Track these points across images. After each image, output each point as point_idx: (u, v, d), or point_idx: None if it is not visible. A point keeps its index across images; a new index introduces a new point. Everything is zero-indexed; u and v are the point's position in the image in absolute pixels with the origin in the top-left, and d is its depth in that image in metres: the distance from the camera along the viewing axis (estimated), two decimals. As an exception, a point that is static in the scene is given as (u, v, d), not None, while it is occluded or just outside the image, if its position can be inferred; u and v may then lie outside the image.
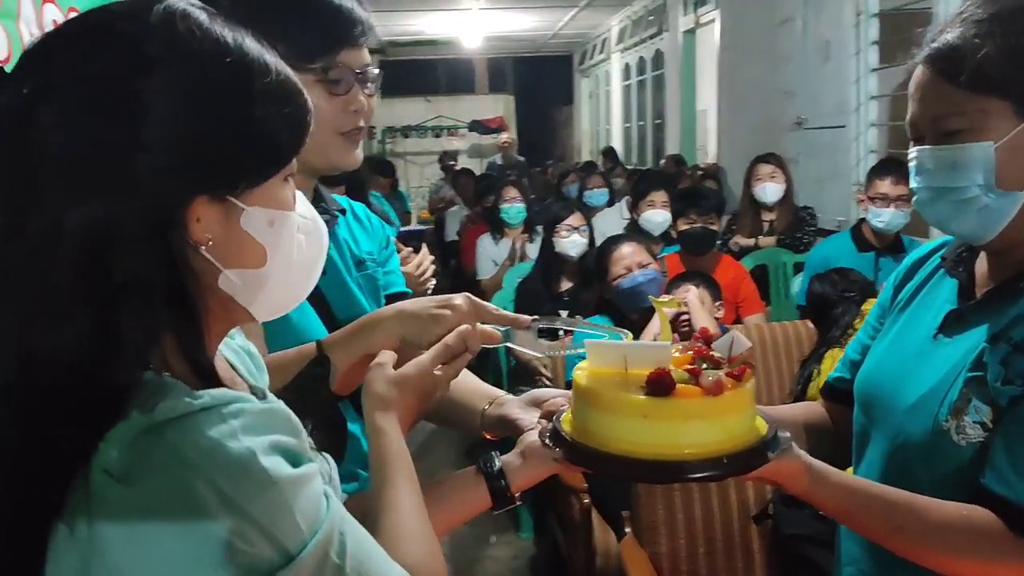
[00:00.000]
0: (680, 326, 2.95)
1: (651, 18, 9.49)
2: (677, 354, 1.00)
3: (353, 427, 1.34)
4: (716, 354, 0.99)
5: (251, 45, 0.75)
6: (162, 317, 0.70)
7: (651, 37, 9.59)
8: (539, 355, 1.21)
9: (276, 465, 0.68)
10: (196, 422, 0.66)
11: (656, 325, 2.95)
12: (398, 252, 2.00)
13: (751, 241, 4.55)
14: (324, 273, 1.32)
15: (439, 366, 0.99)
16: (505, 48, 14.47)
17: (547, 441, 0.98)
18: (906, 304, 1.22)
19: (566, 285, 3.72)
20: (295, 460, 0.71)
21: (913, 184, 1.11)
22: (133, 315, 0.68)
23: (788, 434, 0.98)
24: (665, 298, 1.08)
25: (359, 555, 0.72)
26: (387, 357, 1.00)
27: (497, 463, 1.05)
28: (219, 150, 0.71)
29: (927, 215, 1.11)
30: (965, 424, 1.04)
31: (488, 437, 1.21)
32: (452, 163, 10.74)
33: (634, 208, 4.54)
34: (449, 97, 16.09)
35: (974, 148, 1.03)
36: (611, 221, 5.13)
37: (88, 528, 0.65)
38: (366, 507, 1.06)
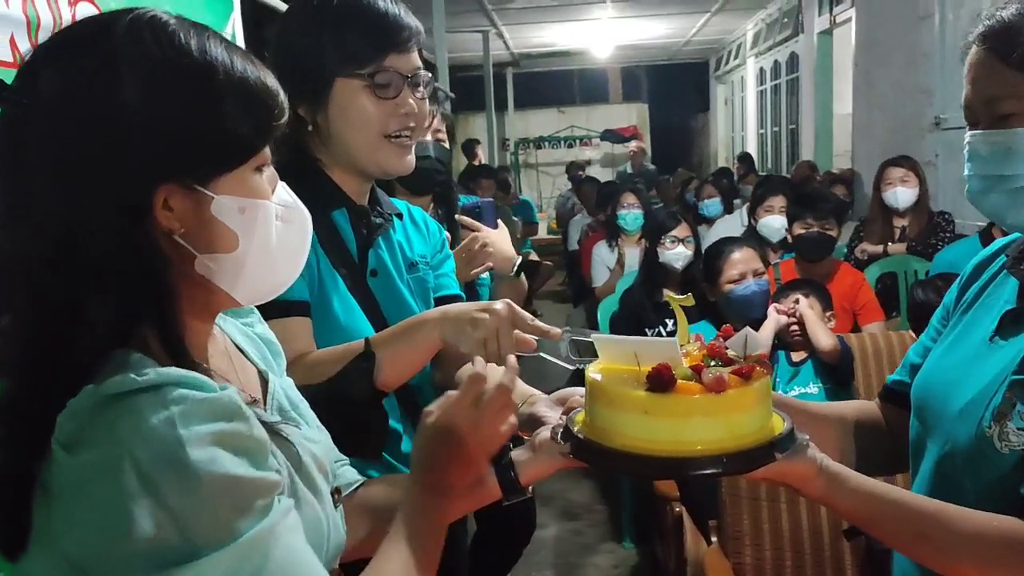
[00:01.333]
0: (791, 335, 2.86)
1: (786, 20, 9.20)
2: (695, 351, 0.98)
3: (396, 424, 1.39)
4: (730, 352, 0.96)
5: (215, 48, 0.80)
6: (134, 299, 0.76)
7: (786, 40, 9.30)
8: (569, 367, 1.22)
9: (207, 459, 0.70)
10: (139, 403, 0.70)
11: (761, 335, 2.87)
12: (464, 226, 1.98)
13: (879, 248, 4.32)
14: (375, 274, 1.40)
15: (472, 403, 0.94)
16: (638, 57, 14.37)
17: (557, 436, 0.98)
18: (969, 306, 1.14)
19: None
20: (243, 452, 0.73)
21: (967, 172, 1.04)
22: (103, 296, 0.75)
23: (806, 436, 0.94)
24: (680, 296, 1.06)
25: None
26: (433, 408, 0.95)
27: (507, 456, 1.06)
28: (182, 143, 0.77)
29: (981, 206, 1.04)
30: (1009, 430, 0.96)
31: (523, 435, 1.23)
32: (580, 173, 10.75)
33: (752, 213, 4.41)
34: (582, 107, 16.17)
35: None
36: (731, 228, 5.00)
37: (44, 492, 0.71)
38: (384, 492, 1.10)
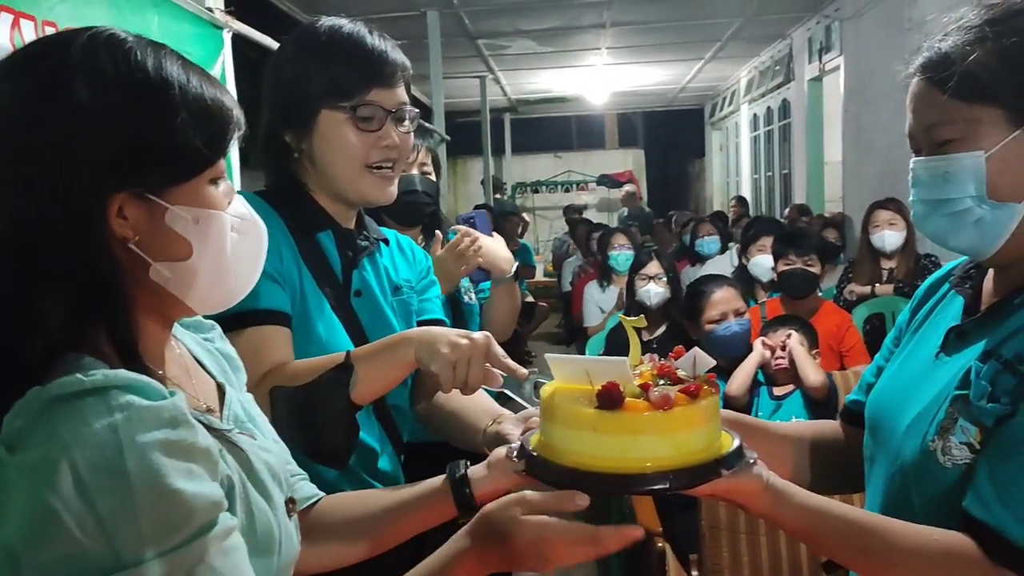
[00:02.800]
0: (776, 369, 2.87)
1: (777, 67, 9.35)
2: (647, 372, 1.00)
3: (374, 443, 1.40)
4: (680, 372, 0.98)
5: (170, 65, 0.83)
6: (87, 303, 0.79)
7: (778, 87, 9.44)
8: (529, 406, 1.24)
9: (146, 469, 0.70)
10: (84, 407, 0.71)
11: (745, 369, 2.88)
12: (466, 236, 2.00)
13: (867, 289, 4.37)
14: (359, 294, 1.43)
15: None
16: (634, 103, 14.57)
17: (512, 454, 0.99)
18: (919, 325, 1.17)
19: (649, 333, 3.67)
20: (187, 461, 0.73)
21: (911, 197, 1.07)
22: (56, 300, 0.77)
23: (754, 454, 0.95)
24: (632, 319, 1.08)
25: None
26: (531, 496, 0.93)
27: (462, 471, 1.08)
28: (135, 154, 0.80)
29: (924, 230, 1.07)
30: (951, 445, 0.98)
31: (487, 453, 1.24)
32: (576, 216, 10.84)
33: (744, 253, 4.47)
34: (579, 152, 16.35)
35: (965, 158, 0.99)
36: (722, 267, 5.05)
37: None
38: (343, 507, 1.11)
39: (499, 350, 1.18)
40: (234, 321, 1.10)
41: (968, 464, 0.96)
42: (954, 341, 1.06)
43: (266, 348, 1.24)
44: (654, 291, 3.66)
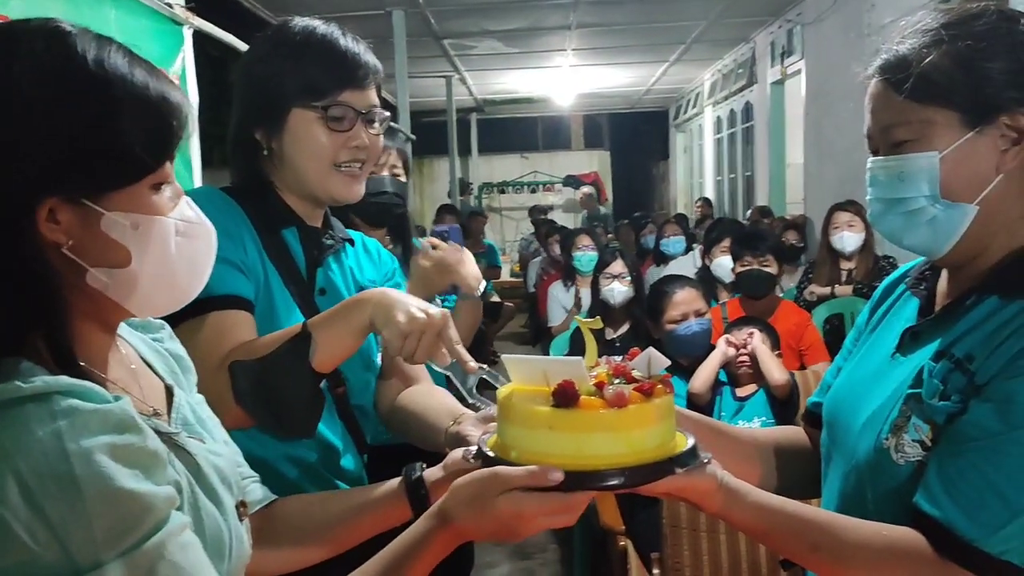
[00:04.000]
0: (739, 367, 2.91)
1: (740, 71, 9.45)
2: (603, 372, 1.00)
3: (336, 441, 1.40)
4: (635, 372, 0.99)
5: (114, 59, 0.78)
6: (20, 308, 0.75)
7: (740, 90, 9.54)
8: (468, 398, 1.24)
9: (94, 473, 0.68)
10: (25, 414, 0.69)
11: (708, 366, 2.91)
12: (433, 247, 2.04)
13: (827, 290, 4.44)
14: (323, 292, 1.42)
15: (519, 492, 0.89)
16: (599, 104, 14.63)
17: (469, 456, 0.99)
18: (875, 326, 1.19)
19: (613, 331, 3.70)
20: (135, 465, 0.71)
21: (868, 196, 1.09)
22: None
23: (709, 454, 0.96)
24: (588, 320, 1.08)
25: None
26: (505, 472, 0.90)
27: (418, 473, 1.07)
28: (69, 158, 0.75)
29: (880, 228, 1.08)
30: (904, 443, 1.00)
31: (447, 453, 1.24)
32: (541, 216, 10.88)
33: (706, 254, 4.52)
34: (545, 153, 16.39)
35: (919, 158, 1.01)
36: (684, 268, 5.10)
37: None
38: (297, 510, 1.09)
39: (454, 334, 1.17)
40: (196, 308, 1.09)
41: (920, 461, 0.98)
42: (909, 342, 1.08)
43: (229, 332, 1.23)
44: (618, 290, 3.71)
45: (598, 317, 1.11)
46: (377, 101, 1.41)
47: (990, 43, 0.99)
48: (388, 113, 1.44)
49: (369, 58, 1.38)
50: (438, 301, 2.29)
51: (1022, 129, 0.98)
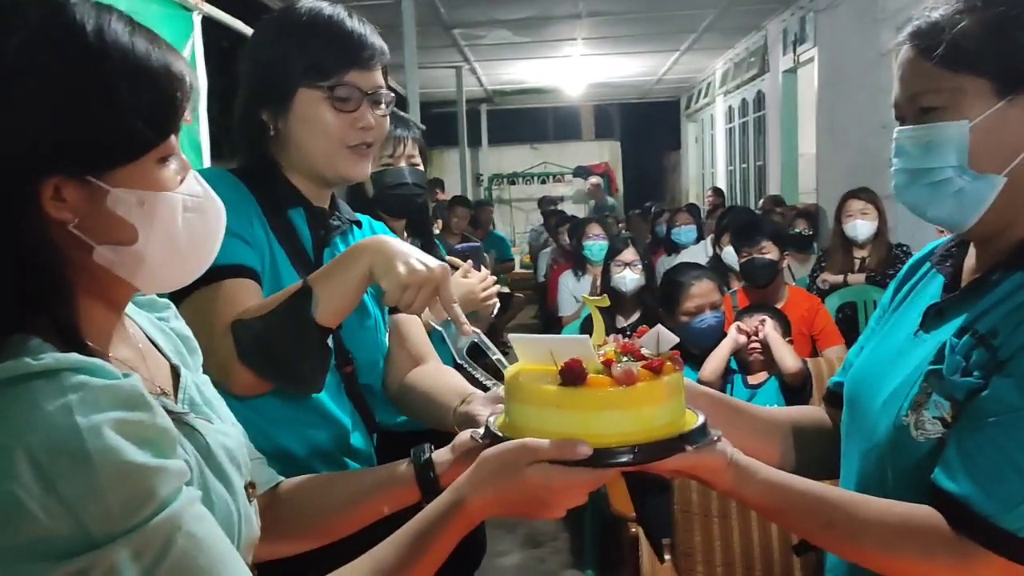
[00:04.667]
0: (750, 354, 2.89)
1: (752, 59, 9.38)
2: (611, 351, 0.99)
3: (345, 419, 1.39)
4: (644, 350, 0.97)
5: (114, 29, 0.76)
6: (26, 287, 0.74)
7: (752, 78, 9.48)
8: (457, 359, 1.24)
9: (105, 447, 0.67)
10: (34, 389, 0.68)
11: (719, 354, 2.90)
12: (456, 267, 2.07)
13: (840, 278, 4.41)
14: None
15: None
16: (610, 95, 14.57)
17: (477, 436, 0.99)
18: (899, 304, 1.17)
19: (624, 319, 3.69)
20: (146, 441, 0.71)
21: (893, 167, 1.07)
22: None
23: (718, 431, 0.95)
24: (595, 298, 1.07)
25: (182, 572, 0.70)
26: (533, 444, 0.89)
27: (426, 455, 1.06)
28: (72, 134, 0.73)
29: (904, 200, 1.06)
30: (924, 420, 0.98)
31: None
32: (551, 208, 10.85)
33: (717, 242, 4.50)
34: (555, 144, 16.33)
35: (949, 127, 0.99)
36: (695, 257, 5.08)
37: None
38: (304, 492, 1.09)
39: (452, 292, 1.17)
40: (204, 278, 1.09)
41: (940, 439, 0.97)
42: (933, 318, 1.07)
43: (237, 299, 1.23)
44: (629, 278, 3.70)
45: (605, 296, 1.10)
46: (383, 83, 1.40)
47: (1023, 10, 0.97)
48: (394, 95, 1.43)
49: (375, 39, 1.38)
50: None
51: None
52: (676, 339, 0.99)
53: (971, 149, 0.98)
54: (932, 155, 1.00)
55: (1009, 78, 0.97)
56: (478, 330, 1.17)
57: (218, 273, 1.19)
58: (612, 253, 3.81)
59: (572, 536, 3.92)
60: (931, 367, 1.00)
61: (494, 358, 1.11)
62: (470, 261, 2.19)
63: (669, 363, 0.94)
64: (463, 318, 1.17)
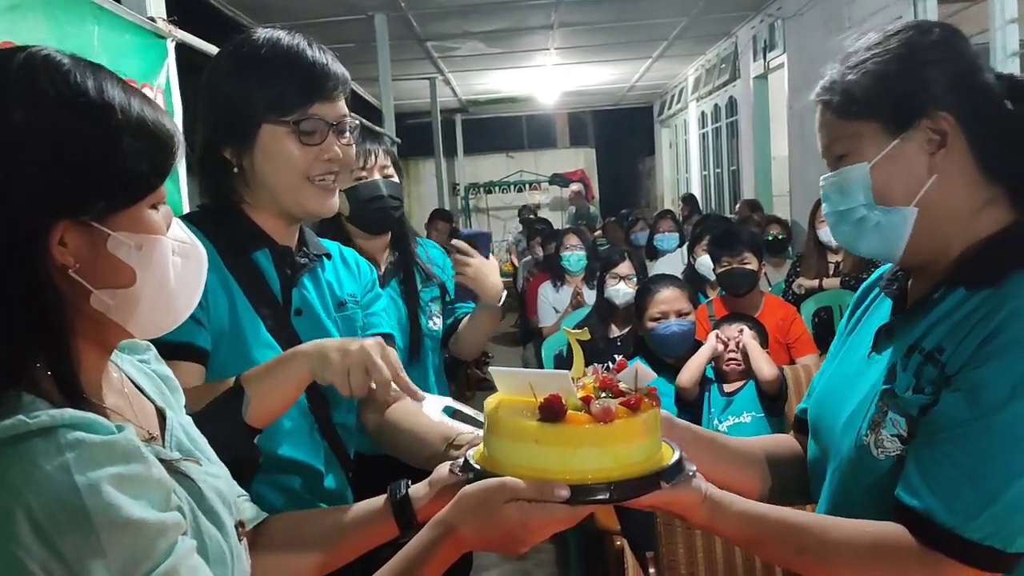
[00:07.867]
0: (727, 364, 2.93)
1: (723, 65, 9.48)
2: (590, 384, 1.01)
3: (318, 465, 1.40)
4: (621, 385, 1.00)
5: (111, 88, 0.81)
6: (27, 336, 0.76)
7: (724, 84, 9.57)
8: (447, 423, 1.27)
9: (104, 505, 0.69)
10: (31, 448, 0.69)
11: (696, 361, 2.93)
12: (464, 252, 2.06)
13: (815, 283, 4.47)
14: (299, 313, 1.40)
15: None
16: (584, 102, 14.64)
17: (456, 470, 1.00)
18: (853, 328, 1.23)
19: (618, 329, 3.73)
20: (142, 495, 0.72)
21: (824, 211, 1.15)
22: None
23: (693, 467, 0.98)
24: (576, 331, 1.10)
25: None
26: (513, 484, 0.92)
27: (403, 492, 1.08)
28: (78, 181, 0.77)
29: (837, 238, 1.15)
30: (883, 438, 1.03)
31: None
32: (531, 216, 10.89)
33: (691, 251, 4.53)
34: (531, 152, 16.39)
35: (853, 169, 1.07)
36: (674, 264, 5.12)
37: None
38: (287, 529, 1.10)
39: (395, 358, 1.17)
40: None
41: (899, 455, 1.01)
42: (883, 339, 1.12)
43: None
44: (623, 291, 3.72)
45: (586, 328, 1.13)
46: (346, 110, 1.38)
47: (905, 56, 1.05)
48: (358, 122, 1.42)
49: (337, 68, 1.36)
50: (436, 319, 2.30)
51: (943, 130, 1.04)
52: (654, 375, 1.01)
53: (874, 186, 1.06)
54: (846, 196, 1.09)
55: (896, 118, 1.05)
56: (424, 396, 1.19)
57: (162, 349, 1.15)
58: (608, 264, 3.83)
59: (557, 549, 3.93)
60: (884, 386, 1.05)
61: (471, 416, 1.13)
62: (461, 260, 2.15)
63: (646, 400, 0.96)
64: (412, 385, 1.17)
